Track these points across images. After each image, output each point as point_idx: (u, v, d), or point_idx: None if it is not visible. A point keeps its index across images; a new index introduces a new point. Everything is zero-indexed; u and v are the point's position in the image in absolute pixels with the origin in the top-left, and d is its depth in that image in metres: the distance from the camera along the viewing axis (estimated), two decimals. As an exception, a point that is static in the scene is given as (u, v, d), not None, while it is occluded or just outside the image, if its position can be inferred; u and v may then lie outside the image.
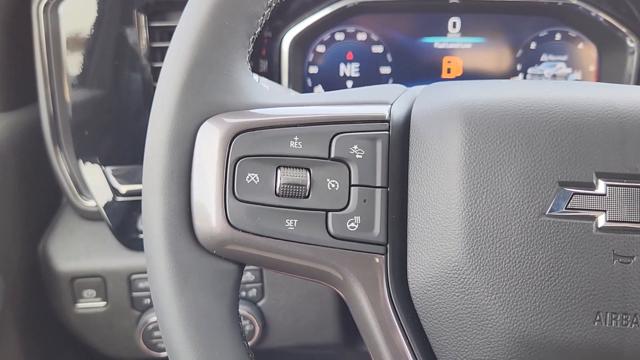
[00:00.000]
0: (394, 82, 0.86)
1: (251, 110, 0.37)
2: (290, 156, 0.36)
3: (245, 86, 0.38)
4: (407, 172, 0.38)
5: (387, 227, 0.37)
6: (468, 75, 0.85)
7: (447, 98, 0.39)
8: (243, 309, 0.75)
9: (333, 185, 0.37)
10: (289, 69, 0.82)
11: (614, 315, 0.34)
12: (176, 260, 0.35)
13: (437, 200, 0.36)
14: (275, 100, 0.39)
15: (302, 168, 0.36)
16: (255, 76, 0.57)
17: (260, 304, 0.75)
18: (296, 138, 0.36)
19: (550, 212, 0.35)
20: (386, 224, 0.37)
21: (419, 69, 0.85)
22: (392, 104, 0.39)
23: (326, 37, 0.84)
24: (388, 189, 0.37)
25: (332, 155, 0.37)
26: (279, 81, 0.83)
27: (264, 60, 0.83)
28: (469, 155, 0.36)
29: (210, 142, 0.36)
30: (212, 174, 0.35)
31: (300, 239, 0.36)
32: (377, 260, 0.37)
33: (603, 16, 0.79)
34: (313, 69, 0.85)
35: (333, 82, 0.85)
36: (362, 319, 0.37)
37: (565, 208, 0.35)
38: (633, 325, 0.34)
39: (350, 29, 0.84)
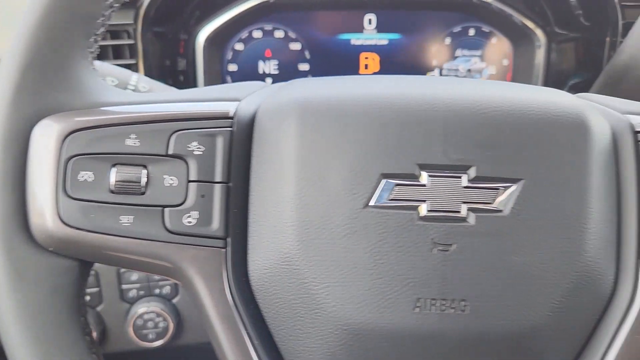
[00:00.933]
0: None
1: (88, 110, 0.38)
2: (126, 154, 0.37)
3: (87, 85, 0.39)
4: (250, 167, 0.39)
5: (226, 221, 0.38)
6: (386, 71, 0.86)
7: (287, 95, 0.40)
8: (157, 306, 0.75)
9: (171, 182, 0.37)
10: (205, 67, 0.82)
11: (433, 301, 0.36)
12: (10, 257, 0.36)
13: (273, 194, 0.37)
14: (118, 99, 0.40)
15: (138, 165, 0.37)
16: (135, 75, 0.58)
17: (174, 300, 0.76)
18: (133, 136, 0.37)
19: (373, 203, 0.36)
20: (226, 218, 0.38)
21: (337, 66, 0.86)
22: (240, 101, 0.40)
23: (244, 35, 0.85)
24: (230, 184, 0.38)
25: (170, 152, 0.37)
26: (195, 79, 0.83)
27: (182, 58, 0.83)
28: (300, 150, 0.37)
29: (43, 141, 0.36)
30: (46, 172, 0.36)
31: (135, 235, 0.37)
32: (217, 253, 0.38)
33: (513, 13, 0.81)
34: (232, 67, 0.86)
35: (252, 79, 0.86)
36: (203, 312, 0.38)
37: (388, 199, 0.36)
38: (452, 310, 0.36)
39: (268, 27, 0.85)
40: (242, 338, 0.37)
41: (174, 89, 0.67)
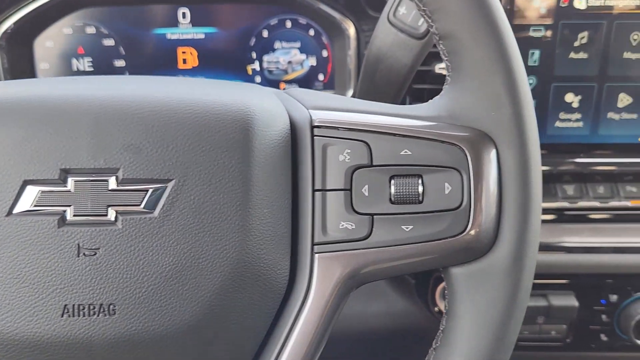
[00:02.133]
0: (130, 74, 0.85)
1: None
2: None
3: None
4: None
5: None
6: (205, 65, 0.85)
7: None
8: None
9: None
10: (9, 65, 0.79)
11: (81, 307, 0.35)
12: None
13: None
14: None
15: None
16: None
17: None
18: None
19: (17, 211, 0.35)
20: None
21: (154, 61, 0.85)
22: None
23: (52, 31, 0.82)
24: None
25: None
26: (4, 78, 0.80)
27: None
28: None
29: None
30: None
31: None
32: None
33: (321, 5, 0.81)
34: (44, 65, 0.83)
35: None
36: None
37: (33, 206, 0.35)
38: (100, 315, 0.35)
39: (78, 23, 0.82)
40: None
41: None
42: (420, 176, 0.39)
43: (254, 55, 0.86)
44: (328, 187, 0.39)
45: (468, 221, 0.38)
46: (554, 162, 0.78)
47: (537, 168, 0.40)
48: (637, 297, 0.77)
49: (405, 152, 0.39)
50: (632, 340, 0.76)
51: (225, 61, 0.86)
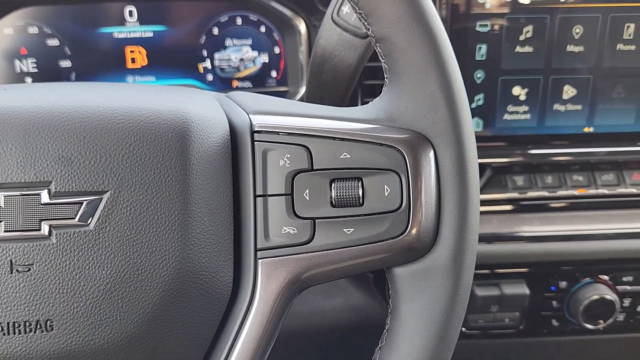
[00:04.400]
0: (77, 75, 0.83)
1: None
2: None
3: None
4: None
5: None
6: (154, 64, 0.84)
7: None
8: None
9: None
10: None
11: (17, 324, 0.35)
12: None
13: None
14: None
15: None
16: None
17: None
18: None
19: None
20: None
21: (102, 61, 0.83)
22: None
23: (-8, 32, 0.79)
24: None
25: None
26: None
27: None
28: None
29: None
30: None
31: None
32: None
33: (269, 1, 0.81)
34: (-15, 67, 0.80)
35: (10, 79, 0.81)
36: None
37: (-39, 223, 0.34)
38: (37, 332, 0.35)
39: (20, 23, 0.80)
40: None
41: None
42: (360, 179, 0.39)
43: (204, 53, 0.85)
44: (269, 193, 0.39)
45: (408, 222, 0.39)
46: (504, 154, 0.79)
47: (474, 167, 0.40)
48: (585, 282, 0.80)
49: (345, 155, 0.39)
50: (580, 324, 0.79)
51: (175, 59, 0.85)
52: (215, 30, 0.84)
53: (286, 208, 0.39)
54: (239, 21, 0.85)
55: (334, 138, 0.39)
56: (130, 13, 0.82)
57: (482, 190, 0.80)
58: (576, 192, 0.81)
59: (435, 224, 0.39)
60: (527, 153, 0.80)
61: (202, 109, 0.40)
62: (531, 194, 0.80)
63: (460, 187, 0.39)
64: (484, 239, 0.78)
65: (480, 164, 0.79)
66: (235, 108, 0.42)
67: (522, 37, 0.75)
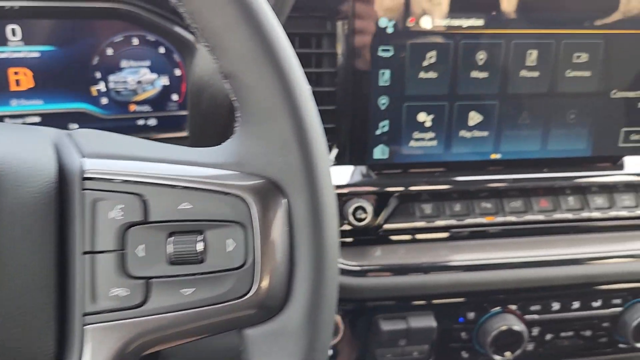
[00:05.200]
0: (-46, 98, 0.76)
1: None
2: None
3: None
4: None
5: None
6: (42, 86, 0.78)
7: None
8: None
9: None
10: None
11: None
12: None
13: None
14: None
15: None
16: None
17: None
18: None
19: None
20: None
21: (-18, 83, 0.76)
22: None
23: None
24: None
25: None
26: None
27: None
28: None
29: None
30: None
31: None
32: None
33: (167, 23, 0.76)
34: None
35: None
36: None
37: None
38: None
39: None
40: None
41: None
42: (201, 232, 0.35)
43: (98, 75, 0.79)
44: (97, 249, 0.35)
45: (253, 281, 0.35)
46: (411, 182, 0.77)
47: (331, 217, 0.37)
48: (493, 313, 0.78)
49: (185, 205, 0.35)
50: (489, 355, 0.77)
51: (66, 82, 0.79)
52: (110, 51, 0.79)
53: (116, 266, 0.34)
54: (135, 41, 0.80)
55: (174, 186, 0.35)
56: (14, 32, 0.75)
57: (389, 219, 0.77)
58: (484, 220, 0.79)
59: (286, 281, 0.36)
60: (435, 180, 0.78)
61: (23, 153, 0.35)
62: (439, 222, 0.78)
63: (314, 239, 0.36)
64: (390, 270, 0.75)
65: (386, 193, 0.77)
66: (70, 150, 0.37)
67: (425, 63, 0.74)
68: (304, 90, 0.36)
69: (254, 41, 0.35)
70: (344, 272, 0.75)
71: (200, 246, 0.35)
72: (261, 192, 0.35)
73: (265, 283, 0.35)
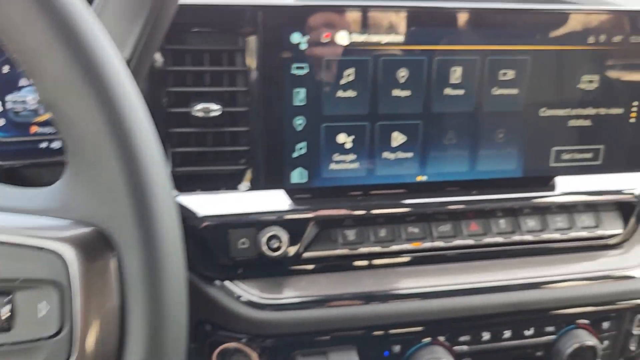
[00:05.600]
0: None
1: None
2: None
3: None
4: None
5: None
6: None
7: None
8: None
9: None
10: None
11: None
12: None
13: None
14: None
15: None
16: None
17: None
18: None
19: None
20: None
21: None
22: None
23: None
24: None
25: None
26: None
27: None
28: None
29: None
30: None
31: None
32: None
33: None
34: None
35: None
36: None
37: None
38: None
39: None
40: None
41: None
42: (8, 294, 0.30)
43: (-7, 94, 0.73)
44: None
45: (71, 351, 0.30)
46: (333, 207, 0.72)
47: (173, 273, 0.32)
48: (420, 345, 0.74)
49: None
50: (416, 391, 0.73)
51: (-44, 102, 0.72)
52: (6, 69, 0.73)
53: None
54: (34, 58, 0.73)
55: None
56: None
57: (309, 247, 0.72)
58: (411, 246, 0.75)
59: (114, 351, 0.30)
60: (357, 205, 0.73)
61: None
62: (363, 249, 0.74)
63: (150, 301, 0.31)
64: (309, 302, 0.70)
65: (305, 219, 0.72)
66: None
67: (343, 81, 0.69)
68: (138, 123, 0.31)
69: (74, 65, 0.30)
70: (260, 306, 0.70)
71: (5, 311, 0.29)
72: (84, 245, 0.30)
73: (86, 353, 0.29)
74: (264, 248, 0.68)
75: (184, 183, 0.70)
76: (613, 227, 0.82)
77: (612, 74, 0.76)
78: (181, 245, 0.33)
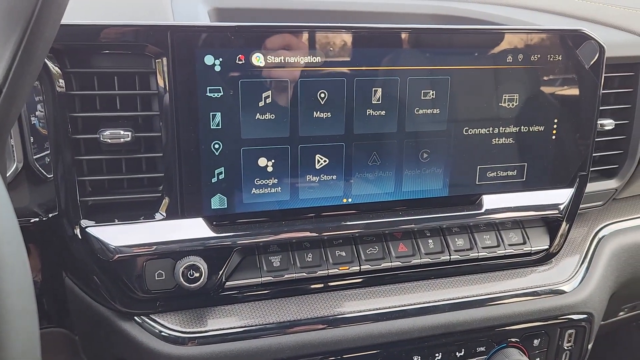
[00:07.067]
0: None
1: None
2: None
3: None
4: None
5: None
6: None
7: None
8: None
9: None
10: None
11: None
12: None
13: None
14: None
15: None
16: None
17: None
18: None
19: None
20: None
21: None
22: None
23: None
24: None
25: None
26: None
27: None
28: None
29: None
30: None
31: None
32: None
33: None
34: None
35: None
36: None
37: None
38: None
39: None
40: None
41: None
42: None
43: None
44: None
45: None
46: (255, 233, 0.70)
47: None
48: (349, 373, 0.71)
49: None
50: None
51: None
52: None
53: None
54: None
55: None
56: None
57: (231, 276, 0.70)
58: (339, 270, 0.73)
59: None
60: (281, 230, 0.71)
61: None
62: (289, 275, 0.71)
63: None
64: (232, 335, 0.67)
65: (225, 247, 0.69)
66: None
67: (261, 104, 0.67)
68: None
69: None
70: (180, 340, 0.66)
71: None
72: None
73: None
74: (180, 280, 0.65)
75: (98, 213, 0.66)
76: (540, 243, 0.83)
77: (532, 92, 0.77)
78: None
